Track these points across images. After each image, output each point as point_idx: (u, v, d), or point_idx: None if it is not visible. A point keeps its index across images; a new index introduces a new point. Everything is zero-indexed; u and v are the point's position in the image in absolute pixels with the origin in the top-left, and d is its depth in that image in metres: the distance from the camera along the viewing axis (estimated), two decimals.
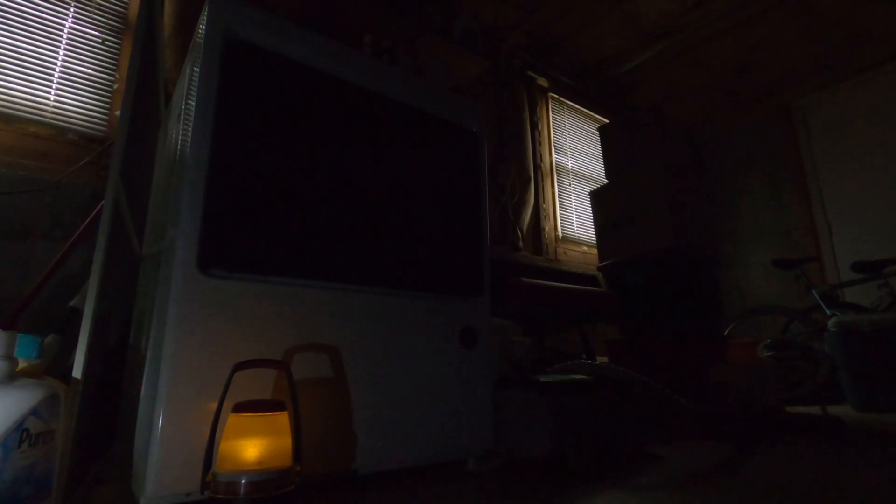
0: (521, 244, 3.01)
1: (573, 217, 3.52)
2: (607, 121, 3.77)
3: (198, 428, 0.86)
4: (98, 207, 1.52)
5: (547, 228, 3.25)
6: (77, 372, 0.85)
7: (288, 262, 1.02)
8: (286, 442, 0.80)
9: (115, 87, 1.83)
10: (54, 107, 1.70)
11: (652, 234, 2.52)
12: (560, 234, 3.35)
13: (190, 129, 0.98)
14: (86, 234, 1.51)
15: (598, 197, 2.92)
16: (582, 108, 3.87)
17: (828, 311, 2.77)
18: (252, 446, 0.77)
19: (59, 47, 1.75)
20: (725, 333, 3.11)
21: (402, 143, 1.28)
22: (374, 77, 1.26)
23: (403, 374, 1.16)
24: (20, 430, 0.68)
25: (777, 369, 2.04)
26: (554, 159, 3.51)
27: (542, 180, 3.35)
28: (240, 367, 0.83)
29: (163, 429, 0.83)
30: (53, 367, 1.26)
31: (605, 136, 3.01)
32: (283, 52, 1.11)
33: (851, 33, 3.29)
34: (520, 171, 3.15)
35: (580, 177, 3.70)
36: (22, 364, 0.80)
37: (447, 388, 1.23)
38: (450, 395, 1.23)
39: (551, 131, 3.56)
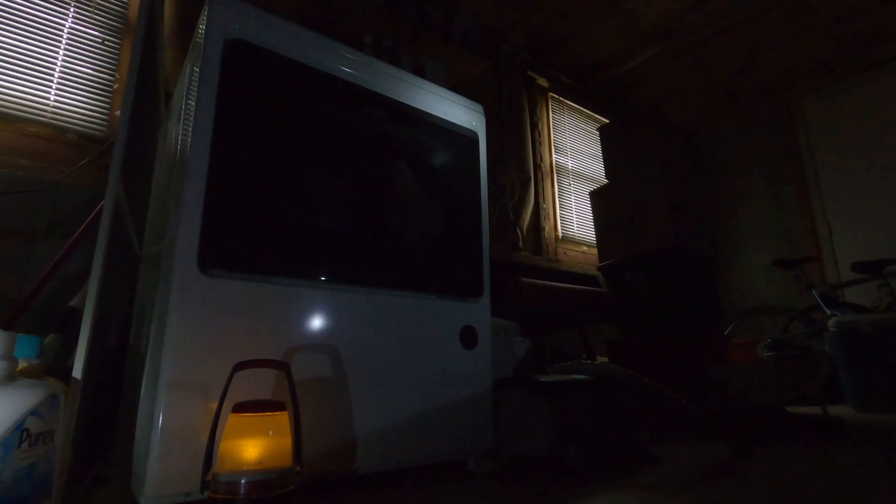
0: (521, 244, 3.01)
1: (573, 217, 3.52)
2: (607, 121, 3.77)
3: (198, 428, 0.86)
4: (98, 207, 1.52)
5: (547, 228, 3.25)
6: (77, 372, 0.85)
7: (288, 263, 1.02)
8: (286, 442, 0.80)
9: (115, 87, 1.83)
10: (54, 107, 1.70)
11: (652, 234, 2.52)
12: (560, 234, 3.35)
13: (190, 129, 0.98)
14: (86, 234, 1.50)
15: (598, 197, 2.92)
16: (582, 108, 3.87)
17: (828, 311, 2.77)
18: (252, 446, 0.77)
19: (59, 47, 1.75)
20: (725, 333, 3.11)
21: (402, 143, 1.28)
22: (374, 77, 1.26)
23: (403, 374, 1.16)
24: (20, 430, 0.68)
25: (777, 369, 2.04)
26: (554, 159, 3.51)
27: (542, 180, 3.35)
28: (240, 367, 0.83)
29: (163, 429, 0.83)
30: (53, 367, 1.26)
31: (605, 136, 3.01)
32: (284, 52, 1.11)
33: (851, 33, 3.29)
34: (520, 171, 3.15)
35: (580, 177, 3.70)
36: (22, 364, 0.80)
37: (447, 389, 1.23)
38: (450, 395, 1.23)
39: (551, 131, 3.56)
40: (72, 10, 1.80)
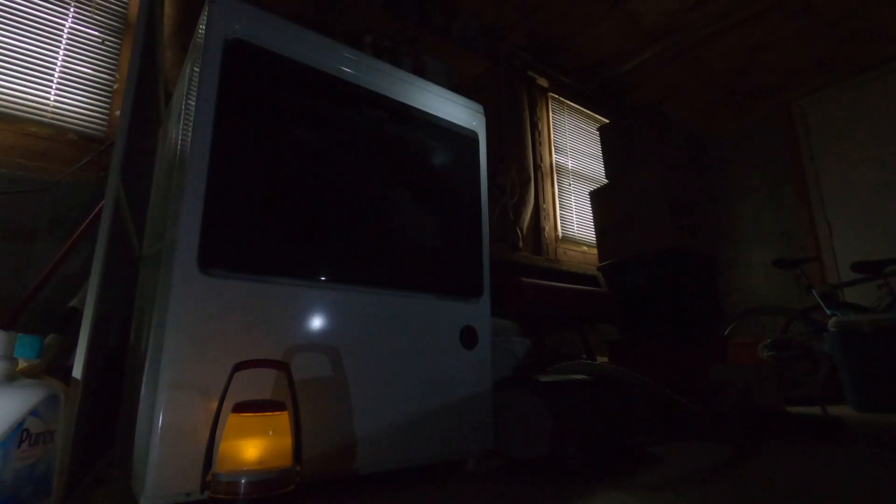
0: (521, 244, 3.01)
1: (573, 217, 3.52)
2: (607, 121, 3.77)
3: (198, 428, 0.86)
4: (98, 207, 1.52)
5: (547, 228, 3.25)
6: (77, 372, 0.85)
7: (288, 262, 1.02)
8: (286, 442, 0.80)
9: (115, 87, 1.83)
10: (54, 107, 1.70)
11: (652, 234, 2.52)
12: (560, 234, 3.35)
13: (190, 129, 0.98)
14: (86, 234, 1.50)
15: (598, 197, 2.92)
16: (582, 108, 3.87)
17: (828, 311, 2.77)
18: (252, 446, 0.77)
19: (59, 47, 1.75)
20: (725, 333, 3.11)
21: (402, 143, 1.28)
22: (374, 77, 1.26)
23: (403, 374, 1.16)
24: (20, 430, 0.68)
25: (777, 369, 2.04)
26: (554, 159, 3.51)
27: (542, 180, 3.35)
28: (240, 367, 0.83)
29: (163, 429, 0.83)
30: (53, 367, 1.26)
31: (605, 136, 3.01)
32: (284, 52, 1.11)
33: (851, 33, 3.29)
34: (520, 171, 3.15)
35: (580, 177, 3.70)
36: (22, 364, 0.80)
37: (447, 388, 1.23)
38: (450, 395, 1.23)
39: (551, 131, 3.56)
40: (72, 10, 1.80)
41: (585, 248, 3.48)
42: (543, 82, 3.53)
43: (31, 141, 1.62)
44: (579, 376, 1.53)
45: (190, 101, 1.03)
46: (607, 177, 2.94)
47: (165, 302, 0.89)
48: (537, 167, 3.33)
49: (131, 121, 1.04)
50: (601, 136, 3.05)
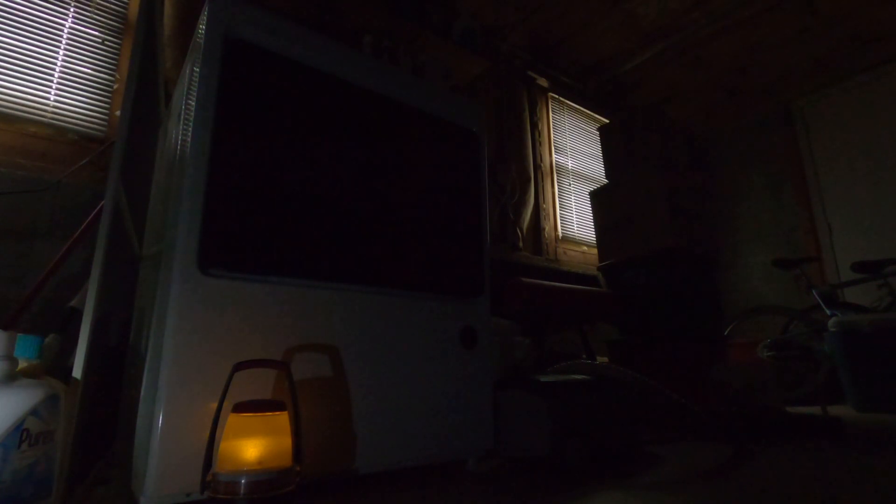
0: (521, 244, 3.01)
1: (573, 217, 3.52)
2: (607, 121, 3.77)
3: (198, 428, 0.86)
4: (98, 207, 1.52)
5: (547, 228, 3.25)
6: (77, 372, 0.85)
7: (288, 262, 1.02)
8: (286, 442, 0.80)
9: (115, 87, 1.83)
10: (54, 107, 1.70)
11: (652, 234, 2.52)
12: (560, 234, 3.35)
13: (190, 129, 0.98)
14: (86, 234, 1.51)
15: (598, 197, 2.92)
16: (582, 108, 3.87)
17: (828, 311, 2.77)
18: (252, 446, 0.77)
19: (59, 47, 1.75)
20: (725, 333, 3.11)
21: (401, 143, 1.28)
22: (373, 77, 1.26)
23: (403, 373, 1.16)
24: (20, 430, 0.69)
25: (777, 369, 2.04)
26: (554, 159, 3.51)
27: (542, 180, 3.35)
28: (240, 367, 0.83)
29: (163, 429, 0.83)
30: (53, 367, 1.26)
31: (605, 136, 3.01)
32: (284, 52, 1.11)
33: (851, 33, 3.29)
34: (520, 171, 3.15)
35: (580, 177, 3.70)
36: (22, 364, 0.80)
37: (447, 388, 1.23)
38: (450, 395, 1.23)
39: (551, 131, 3.56)
40: (72, 10, 1.80)
41: (585, 248, 3.48)
42: (543, 82, 3.53)
43: (31, 141, 1.62)
44: (579, 376, 1.53)
45: (190, 101, 1.03)
46: (607, 177, 2.94)
47: (165, 302, 0.89)
48: (537, 167, 3.33)
49: (131, 121, 1.04)
50: (601, 136, 3.05)
